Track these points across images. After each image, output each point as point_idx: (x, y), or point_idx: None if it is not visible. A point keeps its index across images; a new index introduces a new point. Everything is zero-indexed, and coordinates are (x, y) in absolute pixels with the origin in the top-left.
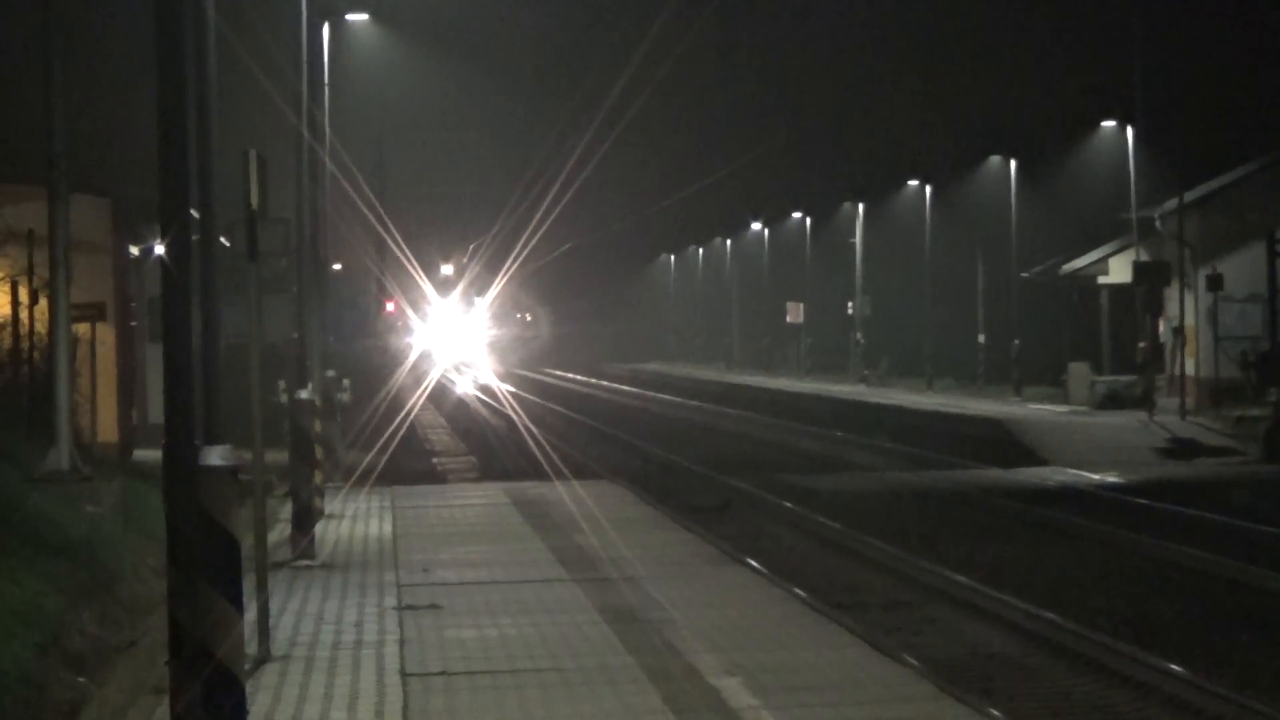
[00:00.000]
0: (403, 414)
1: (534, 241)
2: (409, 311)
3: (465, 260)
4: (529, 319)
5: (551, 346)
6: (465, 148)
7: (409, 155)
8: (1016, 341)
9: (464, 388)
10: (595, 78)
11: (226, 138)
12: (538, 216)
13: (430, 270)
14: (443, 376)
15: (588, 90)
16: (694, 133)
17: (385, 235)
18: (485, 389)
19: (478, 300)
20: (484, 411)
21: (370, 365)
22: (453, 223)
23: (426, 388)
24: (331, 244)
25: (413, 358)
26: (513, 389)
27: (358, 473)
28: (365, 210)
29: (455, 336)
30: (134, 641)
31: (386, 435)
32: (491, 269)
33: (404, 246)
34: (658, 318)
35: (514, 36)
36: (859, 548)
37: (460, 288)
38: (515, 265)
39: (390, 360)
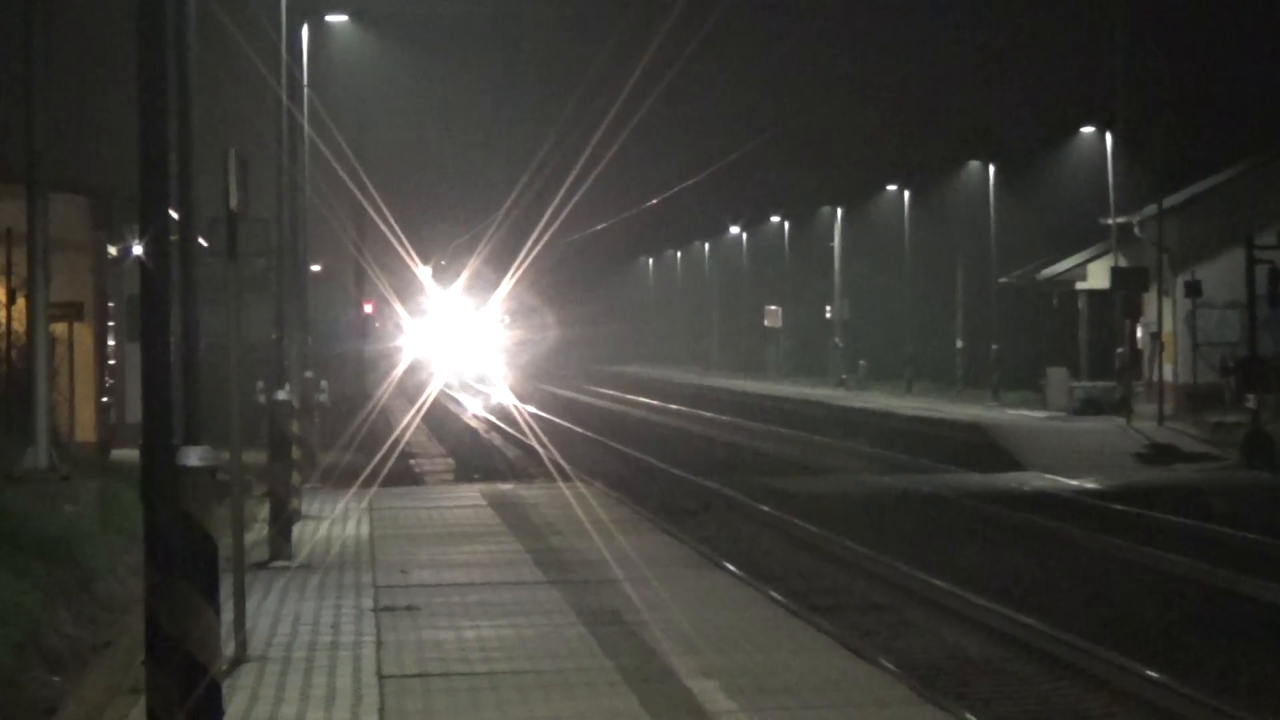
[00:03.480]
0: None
1: (514, 243)
2: (399, 313)
3: (444, 262)
4: (506, 321)
5: (525, 352)
6: (449, 150)
7: (398, 157)
8: (995, 346)
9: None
10: (579, 83)
11: (208, 136)
12: (516, 221)
13: (411, 272)
14: (441, 391)
15: (571, 96)
16: (673, 137)
17: (384, 228)
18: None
19: (463, 302)
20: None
21: (346, 374)
22: (436, 226)
23: (423, 404)
24: (313, 245)
25: (402, 366)
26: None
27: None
28: (357, 193)
29: (448, 341)
30: (111, 641)
31: None
32: (474, 271)
33: (402, 238)
34: (637, 321)
35: (503, 43)
36: (837, 551)
37: (444, 290)
38: (493, 268)
39: (371, 367)
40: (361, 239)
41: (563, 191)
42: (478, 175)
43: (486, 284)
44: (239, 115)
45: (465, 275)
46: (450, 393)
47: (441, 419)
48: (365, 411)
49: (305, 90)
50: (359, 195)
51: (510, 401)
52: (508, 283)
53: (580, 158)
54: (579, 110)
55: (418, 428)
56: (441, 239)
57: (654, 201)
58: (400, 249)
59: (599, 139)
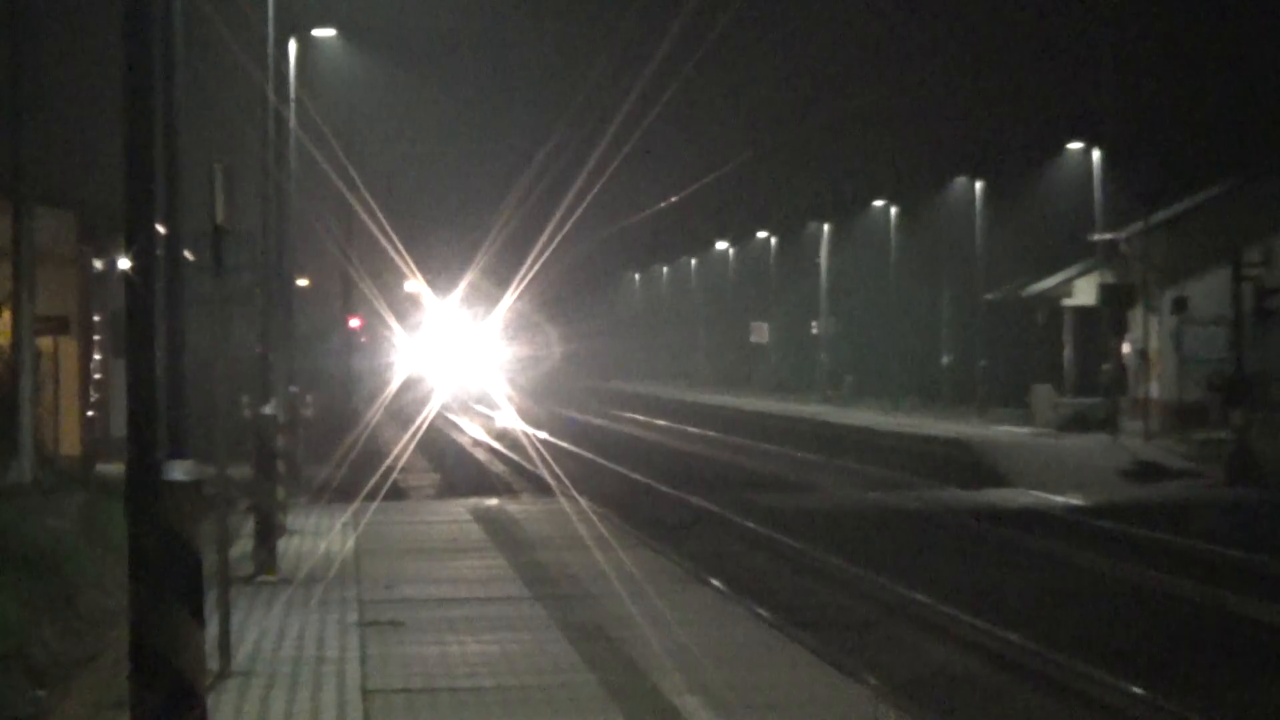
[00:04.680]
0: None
1: (510, 256)
2: (393, 327)
3: (429, 278)
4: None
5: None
6: (441, 165)
7: (390, 170)
8: (982, 362)
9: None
10: (566, 96)
11: (196, 149)
12: (511, 236)
13: (400, 288)
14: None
15: (558, 110)
16: (661, 152)
17: (381, 239)
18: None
19: (461, 317)
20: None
21: (333, 393)
22: (433, 236)
23: (418, 429)
24: (304, 259)
25: (394, 384)
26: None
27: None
28: (352, 200)
29: (446, 358)
30: (95, 655)
31: None
32: (470, 285)
33: (401, 249)
34: (623, 337)
35: (491, 60)
36: (822, 567)
37: (440, 303)
38: (490, 282)
39: (358, 386)
40: (350, 251)
41: (561, 211)
42: (471, 188)
43: (483, 298)
44: (228, 129)
45: (462, 288)
46: (449, 415)
47: (442, 450)
48: (350, 439)
49: (292, 103)
50: (354, 203)
51: (519, 426)
52: (508, 299)
53: (572, 175)
54: (571, 125)
55: (414, 458)
56: (437, 250)
57: (643, 215)
58: (400, 261)
59: (590, 155)
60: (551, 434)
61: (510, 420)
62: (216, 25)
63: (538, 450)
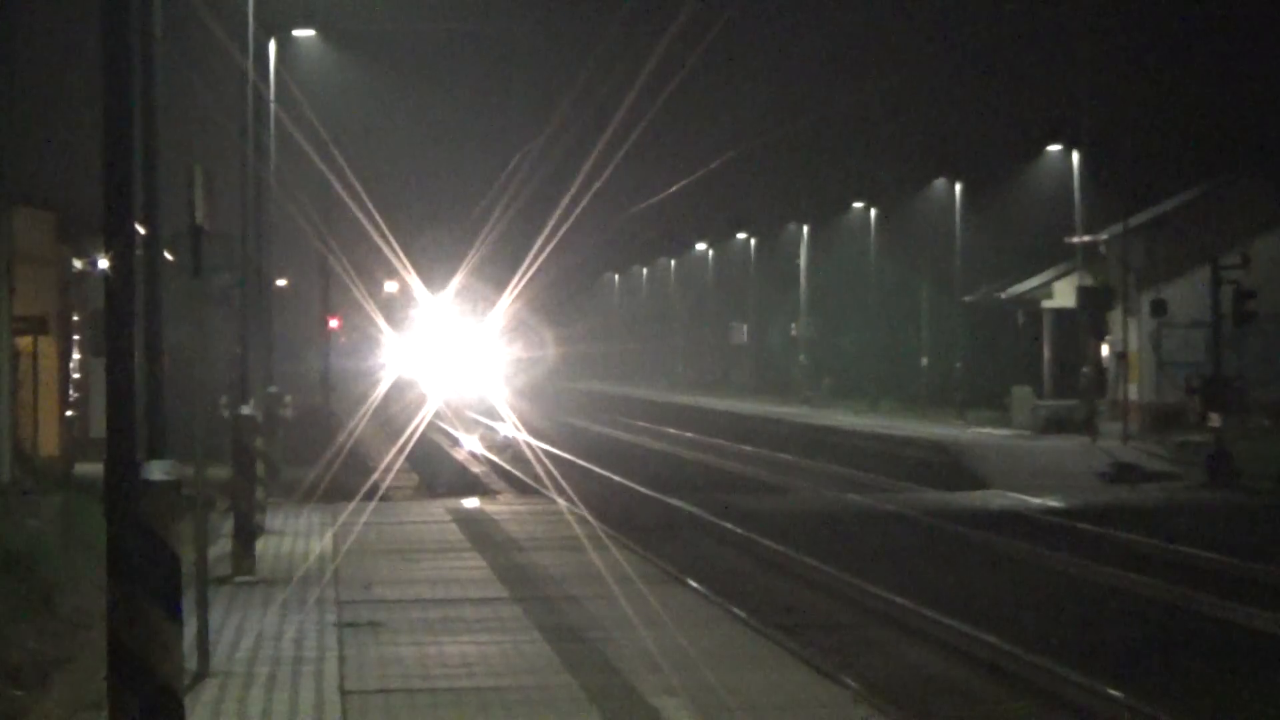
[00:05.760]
0: None
1: (495, 256)
2: (381, 328)
3: (399, 286)
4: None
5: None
6: (431, 160)
7: (377, 172)
8: (959, 364)
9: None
10: (547, 98)
11: (175, 152)
12: (490, 236)
13: (387, 287)
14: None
15: (539, 111)
16: (640, 154)
17: (378, 239)
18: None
19: (454, 317)
20: None
21: (307, 399)
22: (417, 238)
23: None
24: (290, 260)
25: (382, 388)
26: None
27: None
28: (347, 198)
29: (439, 360)
30: (73, 656)
31: None
32: (463, 285)
33: (397, 248)
34: (599, 338)
35: (472, 64)
36: (800, 569)
37: (433, 302)
38: (476, 282)
39: (342, 390)
40: (333, 247)
41: (552, 222)
42: (464, 187)
43: (476, 299)
44: (209, 132)
45: (454, 287)
46: (441, 422)
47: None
48: (332, 443)
49: (271, 101)
50: (344, 196)
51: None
52: (504, 301)
53: (563, 179)
54: (557, 130)
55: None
56: (430, 248)
57: (624, 216)
58: (393, 258)
59: (579, 157)
60: (533, 436)
61: (508, 425)
62: (199, 16)
63: (521, 449)
